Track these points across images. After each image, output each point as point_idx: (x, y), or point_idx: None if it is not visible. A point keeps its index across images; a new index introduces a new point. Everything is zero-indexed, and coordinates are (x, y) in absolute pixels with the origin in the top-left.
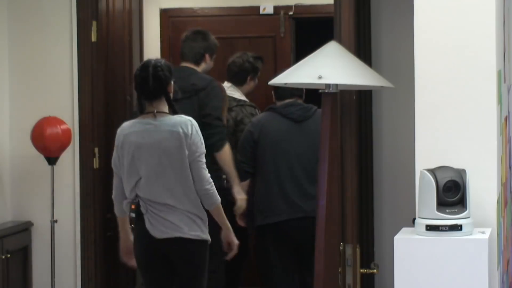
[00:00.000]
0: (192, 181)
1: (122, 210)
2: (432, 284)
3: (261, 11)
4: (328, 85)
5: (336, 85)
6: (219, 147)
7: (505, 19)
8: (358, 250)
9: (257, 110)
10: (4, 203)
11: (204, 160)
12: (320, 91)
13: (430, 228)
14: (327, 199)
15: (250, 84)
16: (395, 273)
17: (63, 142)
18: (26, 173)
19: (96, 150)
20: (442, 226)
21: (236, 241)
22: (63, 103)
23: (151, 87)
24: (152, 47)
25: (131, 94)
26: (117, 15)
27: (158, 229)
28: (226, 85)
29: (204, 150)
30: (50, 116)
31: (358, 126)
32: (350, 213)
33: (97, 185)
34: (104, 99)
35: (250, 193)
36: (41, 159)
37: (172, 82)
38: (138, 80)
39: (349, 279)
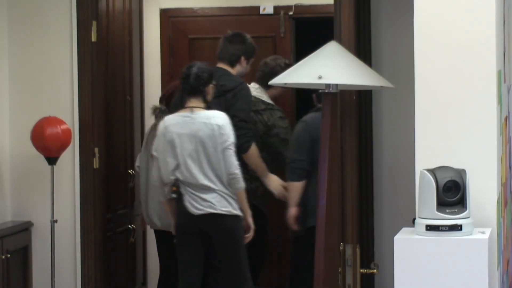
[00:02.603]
0: (223, 166)
1: (164, 194)
2: (432, 284)
3: (261, 11)
4: (328, 85)
5: (336, 85)
6: (246, 148)
7: (505, 19)
8: (358, 250)
9: (283, 114)
10: (4, 203)
11: (234, 148)
12: (320, 91)
13: (430, 228)
14: (327, 199)
15: (277, 89)
16: (395, 273)
17: (63, 142)
18: (26, 173)
19: (96, 150)
20: (442, 226)
21: (252, 226)
22: (63, 103)
23: (191, 84)
24: (152, 47)
25: (131, 94)
26: (117, 15)
27: (195, 207)
28: (254, 86)
29: (234, 140)
30: (50, 116)
31: (358, 126)
32: (350, 213)
33: (97, 185)
34: (104, 99)
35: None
36: (41, 159)
37: (212, 85)
38: (183, 77)
39: (349, 279)
